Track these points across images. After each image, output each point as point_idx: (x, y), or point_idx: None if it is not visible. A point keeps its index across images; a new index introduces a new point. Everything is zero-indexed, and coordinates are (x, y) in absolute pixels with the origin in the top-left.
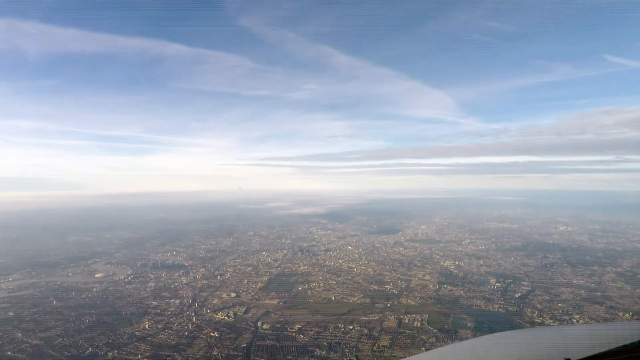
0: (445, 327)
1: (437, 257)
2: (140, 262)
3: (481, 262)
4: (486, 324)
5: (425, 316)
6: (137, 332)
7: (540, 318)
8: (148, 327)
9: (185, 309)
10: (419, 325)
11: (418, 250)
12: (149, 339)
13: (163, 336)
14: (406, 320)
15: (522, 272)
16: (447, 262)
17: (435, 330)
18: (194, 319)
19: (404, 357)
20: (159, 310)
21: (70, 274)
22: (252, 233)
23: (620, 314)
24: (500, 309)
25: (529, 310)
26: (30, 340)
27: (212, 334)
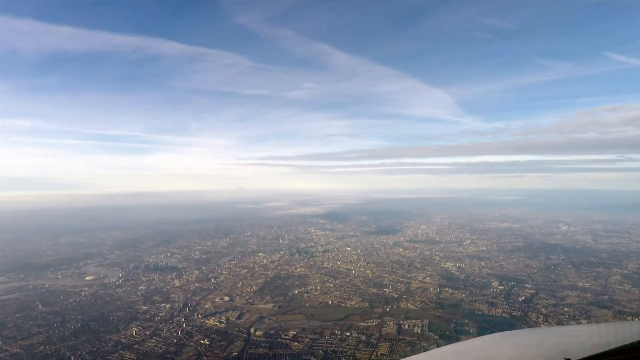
0: (447, 333)
1: (438, 258)
2: (133, 264)
3: (483, 263)
4: (489, 330)
5: (426, 322)
6: (123, 340)
7: (546, 323)
8: (135, 333)
9: (175, 314)
10: (419, 331)
11: (418, 251)
12: (135, 346)
13: (150, 344)
14: (406, 326)
15: (525, 274)
16: (448, 264)
17: (437, 337)
18: (184, 325)
19: (404, 358)
20: (148, 316)
21: (60, 276)
22: (249, 233)
23: (630, 318)
24: (504, 314)
25: (534, 314)
26: (10, 349)
27: (202, 342)
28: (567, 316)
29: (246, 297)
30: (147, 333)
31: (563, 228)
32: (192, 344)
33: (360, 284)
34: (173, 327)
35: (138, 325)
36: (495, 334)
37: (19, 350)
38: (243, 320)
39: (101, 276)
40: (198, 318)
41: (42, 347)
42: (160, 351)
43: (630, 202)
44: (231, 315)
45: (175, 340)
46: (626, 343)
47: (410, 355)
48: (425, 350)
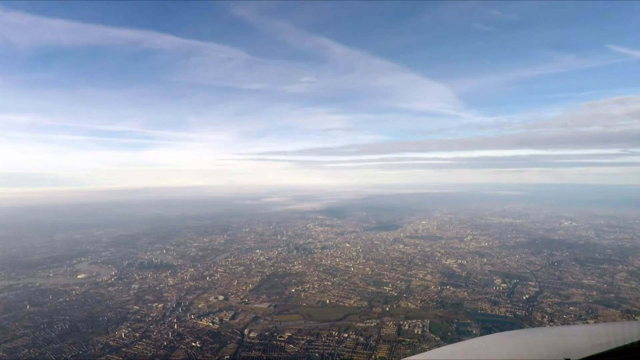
0: (449, 334)
1: (439, 254)
2: (127, 262)
3: (485, 260)
4: (493, 331)
5: (427, 322)
6: (111, 342)
7: (552, 323)
8: (124, 335)
9: (167, 314)
10: (419, 332)
11: (418, 247)
12: (123, 349)
13: (139, 346)
14: (406, 327)
15: (528, 271)
16: (449, 261)
17: (438, 339)
18: (175, 326)
19: (404, 358)
20: (139, 316)
21: (51, 274)
22: (247, 230)
23: (638, 317)
24: (507, 313)
25: (538, 314)
26: None
27: (193, 344)
28: (572, 316)
29: (241, 296)
30: (137, 335)
31: (565, 223)
32: (182, 346)
33: (359, 282)
34: (164, 329)
35: (128, 327)
36: (495, 334)
37: (1, 353)
38: (237, 320)
39: (94, 274)
40: (190, 318)
41: (26, 350)
42: (149, 354)
43: (633, 197)
44: (225, 315)
45: (165, 343)
46: (626, 343)
47: (410, 356)
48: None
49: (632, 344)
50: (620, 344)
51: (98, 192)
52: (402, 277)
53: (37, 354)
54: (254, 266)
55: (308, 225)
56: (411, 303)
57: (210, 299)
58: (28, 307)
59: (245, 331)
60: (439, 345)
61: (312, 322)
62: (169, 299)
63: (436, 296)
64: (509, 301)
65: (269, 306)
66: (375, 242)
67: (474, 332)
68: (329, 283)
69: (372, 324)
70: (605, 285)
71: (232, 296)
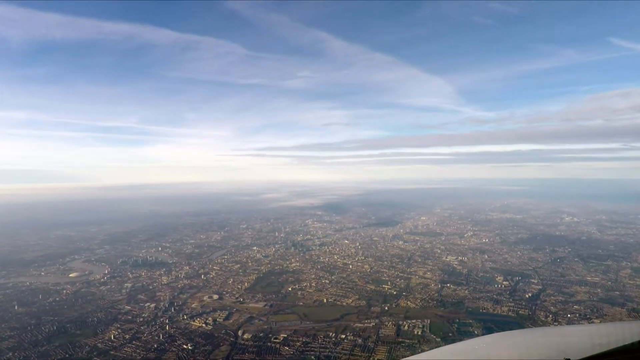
0: (450, 335)
1: (439, 251)
2: (121, 260)
3: (486, 256)
4: (495, 331)
5: (427, 322)
6: (100, 344)
7: (556, 323)
8: (114, 337)
9: (160, 314)
10: (419, 333)
11: (418, 244)
12: (111, 352)
13: (128, 349)
14: (405, 327)
15: (530, 268)
16: (449, 257)
17: (439, 339)
18: (167, 327)
19: (404, 357)
20: (130, 317)
21: (43, 273)
22: (244, 226)
23: None
24: (510, 312)
25: (542, 313)
26: None
27: (184, 346)
28: (577, 315)
29: (236, 295)
30: (127, 337)
31: (567, 219)
32: (174, 349)
33: (357, 280)
34: (155, 330)
35: (118, 328)
36: (495, 334)
37: None
38: (231, 321)
39: (86, 273)
40: (183, 319)
41: (11, 354)
42: (139, 357)
43: (634, 192)
44: (219, 315)
45: (155, 345)
46: (626, 343)
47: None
48: None
49: (632, 344)
50: (620, 344)
51: (95, 188)
52: (402, 274)
53: (22, 357)
54: (250, 264)
55: (306, 221)
56: (411, 302)
57: (205, 298)
58: (16, 307)
59: (239, 332)
60: (439, 346)
61: (308, 322)
62: (162, 298)
63: (436, 295)
64: (511, 300)
65: (265, 306)
66: (375, 238)
67: (476, 332)
68: (327, 281)
69: (371, 324)
70: (609, 283)
71: (227, 295)
